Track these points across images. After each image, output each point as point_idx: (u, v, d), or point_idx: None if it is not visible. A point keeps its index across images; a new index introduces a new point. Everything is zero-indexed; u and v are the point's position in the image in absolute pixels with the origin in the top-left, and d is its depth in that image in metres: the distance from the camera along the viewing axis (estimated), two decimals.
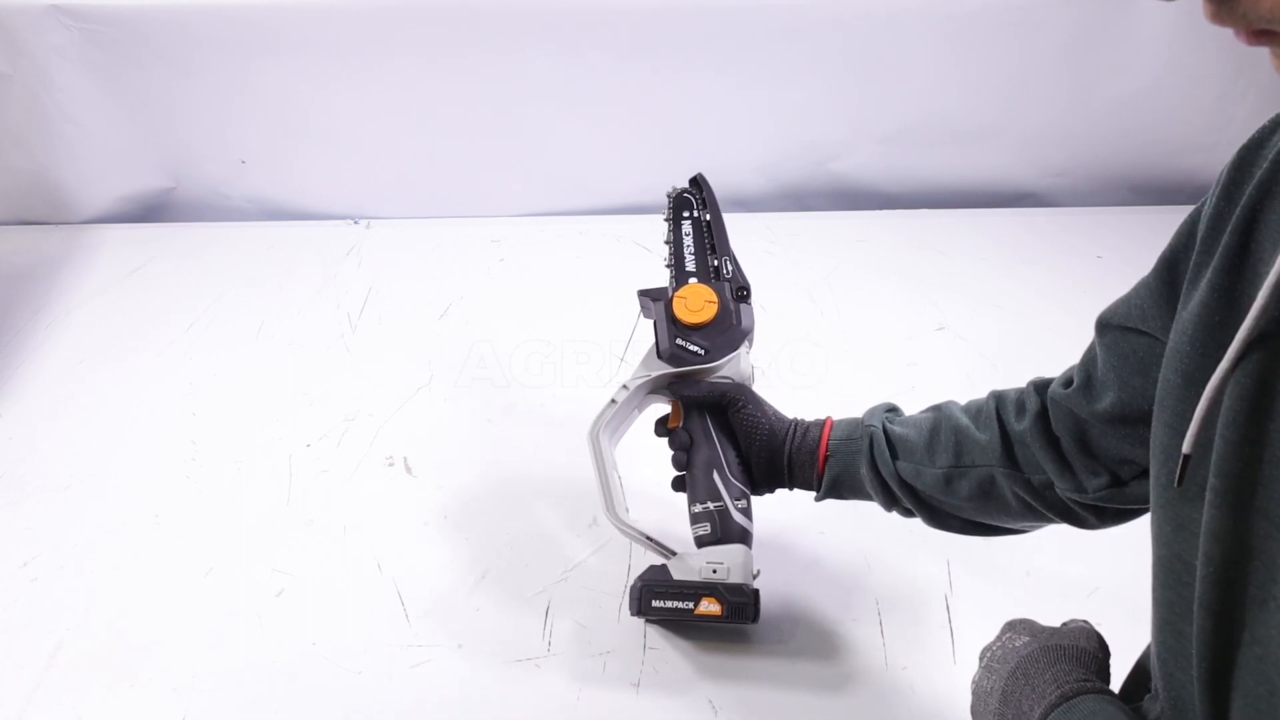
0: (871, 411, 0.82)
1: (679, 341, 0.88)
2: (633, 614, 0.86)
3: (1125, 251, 1.44)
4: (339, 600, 0.93)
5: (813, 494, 0.84)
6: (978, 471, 0.73)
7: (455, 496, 1.04)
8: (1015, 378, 1.20)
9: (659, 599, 0.83)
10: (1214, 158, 1.58)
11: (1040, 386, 0.72)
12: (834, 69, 1.50)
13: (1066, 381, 0.68)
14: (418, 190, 1.58)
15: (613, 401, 0.88)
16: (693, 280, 0.91)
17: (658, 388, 0.90)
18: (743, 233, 1.57)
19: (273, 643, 0.89)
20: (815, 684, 0.84)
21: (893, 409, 0.83)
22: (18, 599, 0.93)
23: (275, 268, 1.44)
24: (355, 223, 1.56)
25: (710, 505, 0.84)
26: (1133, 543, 0.66)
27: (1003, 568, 0.95)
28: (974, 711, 0.64)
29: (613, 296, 1.34)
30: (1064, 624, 0.65)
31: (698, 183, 0.96)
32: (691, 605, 0.82)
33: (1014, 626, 0.66)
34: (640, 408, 0.92)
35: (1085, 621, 0.65)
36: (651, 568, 0.86)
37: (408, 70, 1.47)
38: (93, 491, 1.06)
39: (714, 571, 0.82)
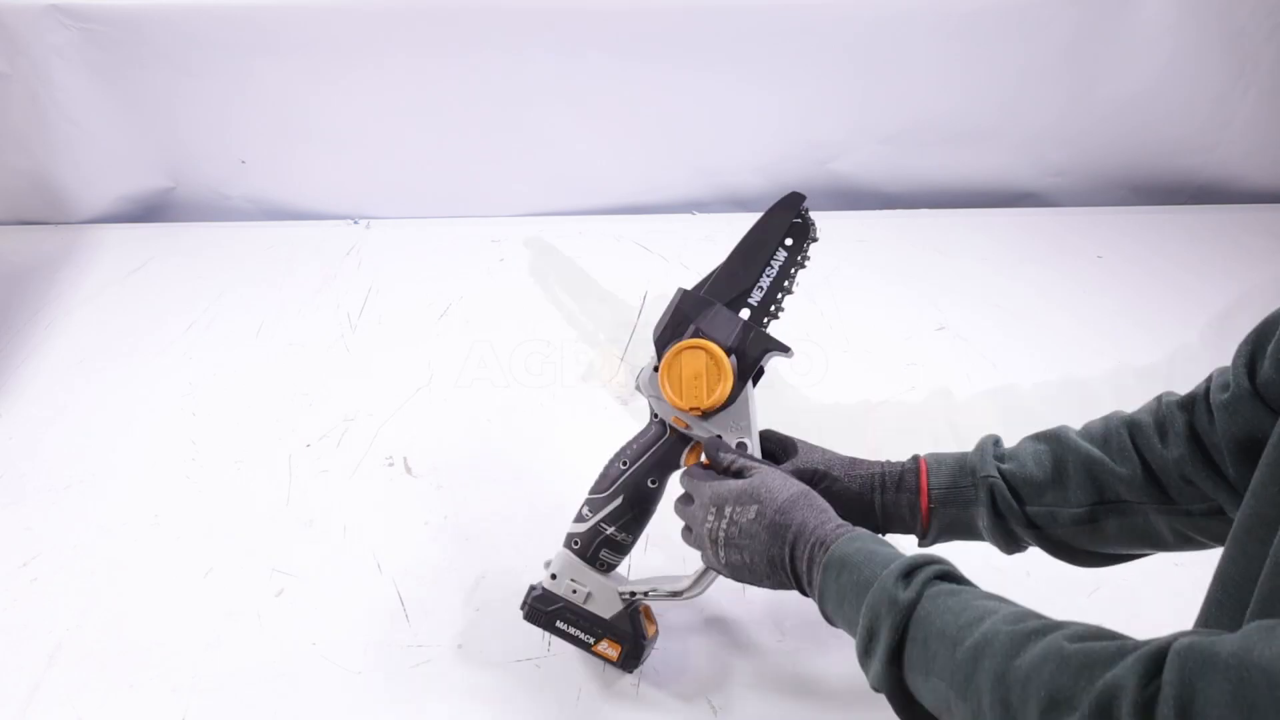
0: (981, 454, 0.73)
1: None
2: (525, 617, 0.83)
3: (1125, 251, 1.44)
4: (339, 600, 0.93)
5: (915, 538, 0.77)
6: (1125, 508, 0.67)
7: (455, 496, 1.04)
8: (1015, 378, 1.22)
9: (563, 622, 0.81)
10: (1214, 158, 1.58)
11: (1183, 404, 0.65)
12: (834, 69, 1.50)
13: (1224, 385, 0.61)
14: (418, 190, 1.58)
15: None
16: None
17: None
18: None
19: (273, 643, 0.89)
20: (815, 684, 0.84)
21: (998, 442, 0.75)
22: (18, 599, 0.93)
23: (275, 268, 1.44)
24: (355, 223, 1.56)
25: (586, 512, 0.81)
26: None
27: (1003, 568, 0.95)
28: (737, 576, 0.69)
29: (613, 296, 1.35)
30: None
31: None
32: (592, 641, 0.81)
33: (720, 499, 0.69)
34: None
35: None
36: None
37: (407, 70, 1.47)
38: (93, 491, 1.06)
39: (574, 592, 0.81)
